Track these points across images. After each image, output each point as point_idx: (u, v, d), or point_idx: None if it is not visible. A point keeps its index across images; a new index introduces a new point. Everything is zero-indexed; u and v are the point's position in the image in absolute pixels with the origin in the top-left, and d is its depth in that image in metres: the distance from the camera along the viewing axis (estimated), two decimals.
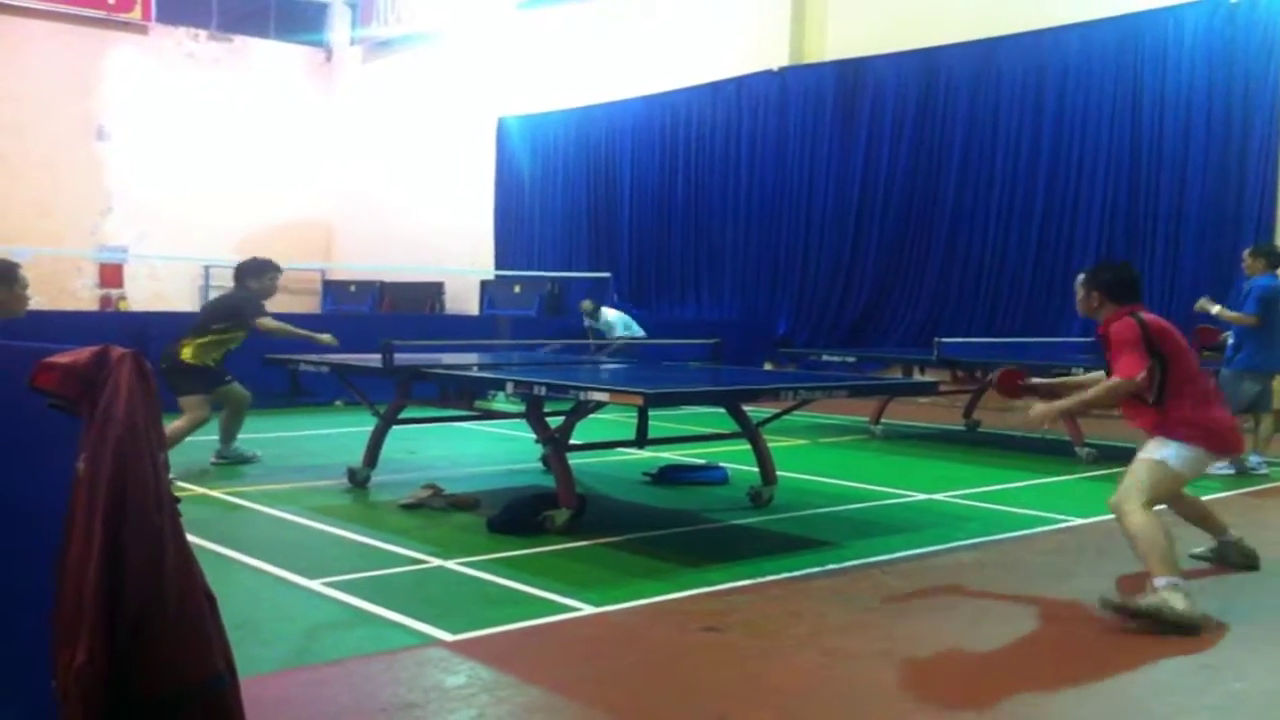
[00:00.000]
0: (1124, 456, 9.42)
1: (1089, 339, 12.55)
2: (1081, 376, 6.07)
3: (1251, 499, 7.72)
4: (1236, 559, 5.60)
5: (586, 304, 13.20)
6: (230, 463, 8.37)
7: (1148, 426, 5.05)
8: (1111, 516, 6.83)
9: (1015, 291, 14.06)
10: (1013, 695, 3.85)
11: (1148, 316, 5.06)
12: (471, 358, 8.27)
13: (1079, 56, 13.41)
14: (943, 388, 9.73)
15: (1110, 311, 5.13)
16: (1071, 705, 3.74)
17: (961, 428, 11.32)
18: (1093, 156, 13.33)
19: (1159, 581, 4.53)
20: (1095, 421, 11.09)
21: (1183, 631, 4.42)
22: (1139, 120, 12.94)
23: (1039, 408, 5.34)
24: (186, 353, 8.01)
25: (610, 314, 13.10)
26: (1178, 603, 4.47)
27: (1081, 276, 5.42)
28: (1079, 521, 6.57)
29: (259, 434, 9.08)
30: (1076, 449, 9.26)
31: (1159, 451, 4.92)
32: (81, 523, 2.52)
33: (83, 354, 2.59)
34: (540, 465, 8.03)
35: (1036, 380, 5.85)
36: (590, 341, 11.38)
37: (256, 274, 8.49)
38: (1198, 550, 5.69)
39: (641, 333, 12.92)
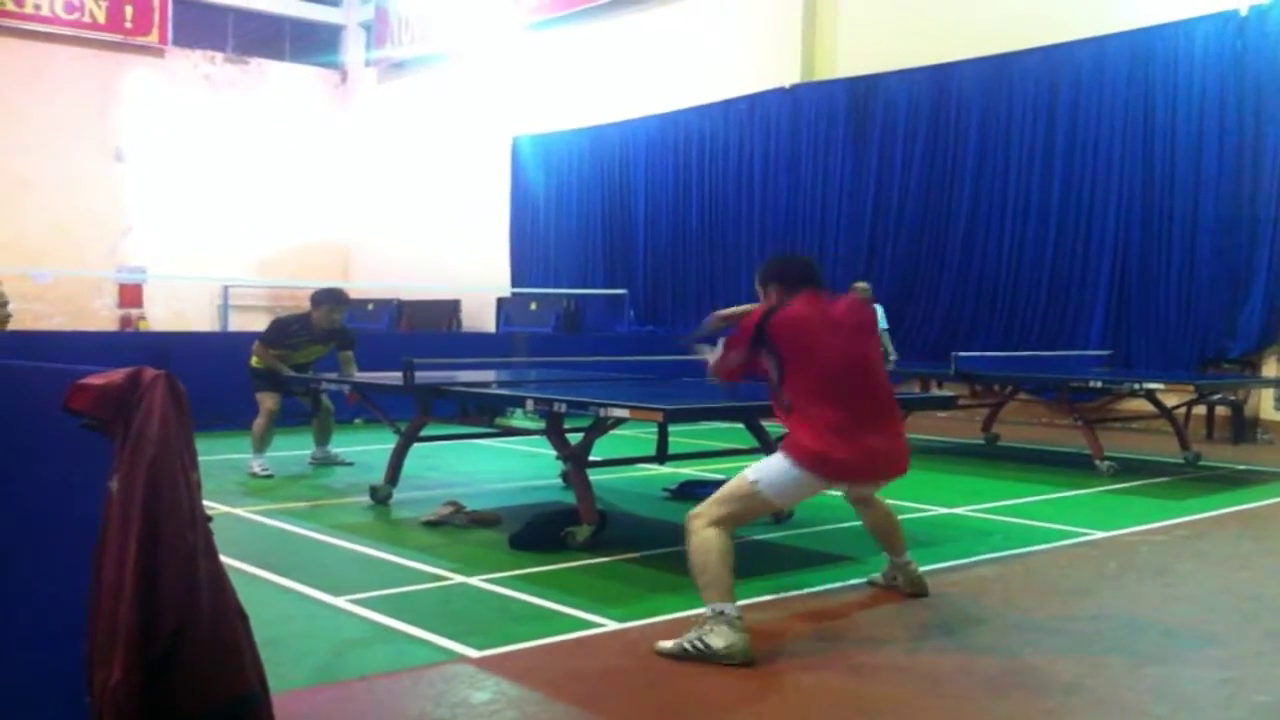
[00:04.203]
0: (1144, 470, 9.48)
1: (1106, 352, 12.57)
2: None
3: None
4: (904, 584, 5.18)
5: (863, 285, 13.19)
6: (324, 464, 9.14)
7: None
8: (1131, 529, 6.89)
9: (1031, 305, 14.03)
10: (1029, 711, 3.85)
11: (796, 309, 4.56)
12: (490, 375, 8.32)
13: (1091, 71, 13.41)
14: (961, 401, 9.71)
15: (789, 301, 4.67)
16: None
17: (980, 441, 11.32)
18: (1106, 171, 13.32)
19: (704, 610, 4.25)
20: (1116, 434, 11.08)
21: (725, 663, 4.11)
22: (1151, 134, 12.93)
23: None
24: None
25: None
26: (714, 639, 4.13)
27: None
28: (1099, 535, 6.56)
29: (282, 451, 9.15)
30: (1096, 462, 9.26)
31: (756, 471, 4.58)
32: (115, 542, 2.56)
33: (116, 375, 2.63)
34: (560, 482, 8.05)
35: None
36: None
37: (320, 303, 8.95)
38: (875, 576, 5.35)
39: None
